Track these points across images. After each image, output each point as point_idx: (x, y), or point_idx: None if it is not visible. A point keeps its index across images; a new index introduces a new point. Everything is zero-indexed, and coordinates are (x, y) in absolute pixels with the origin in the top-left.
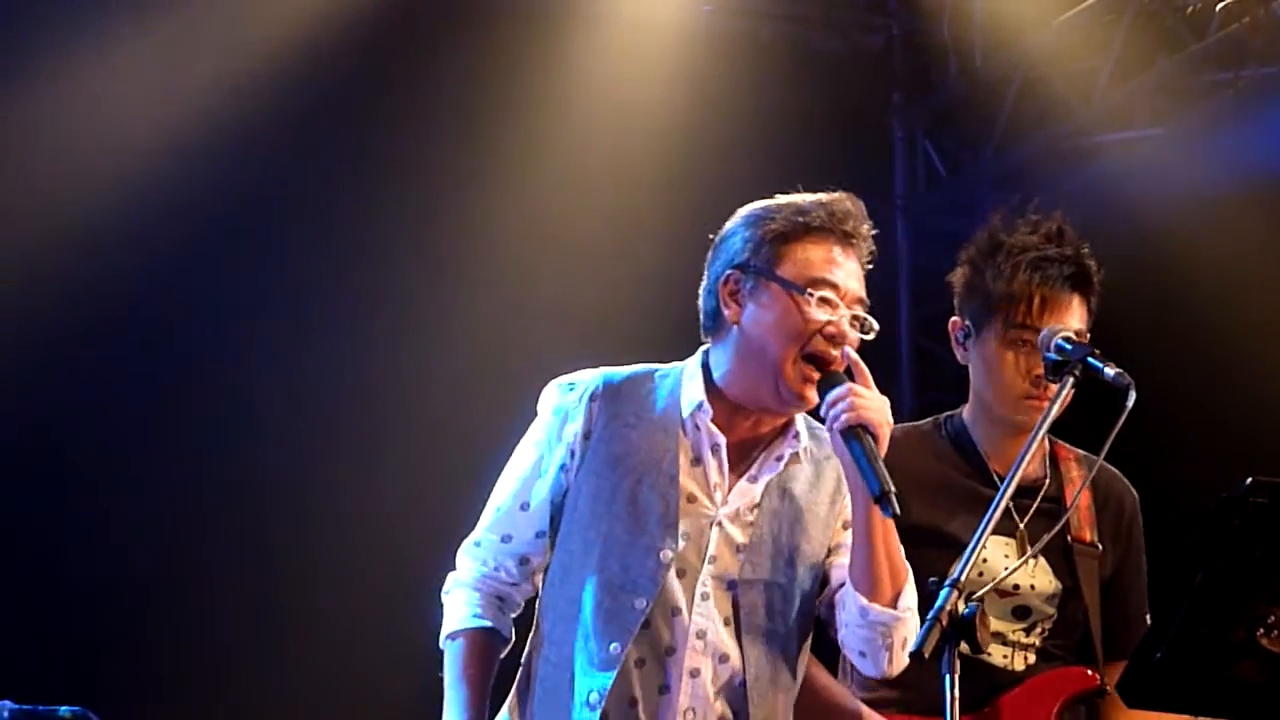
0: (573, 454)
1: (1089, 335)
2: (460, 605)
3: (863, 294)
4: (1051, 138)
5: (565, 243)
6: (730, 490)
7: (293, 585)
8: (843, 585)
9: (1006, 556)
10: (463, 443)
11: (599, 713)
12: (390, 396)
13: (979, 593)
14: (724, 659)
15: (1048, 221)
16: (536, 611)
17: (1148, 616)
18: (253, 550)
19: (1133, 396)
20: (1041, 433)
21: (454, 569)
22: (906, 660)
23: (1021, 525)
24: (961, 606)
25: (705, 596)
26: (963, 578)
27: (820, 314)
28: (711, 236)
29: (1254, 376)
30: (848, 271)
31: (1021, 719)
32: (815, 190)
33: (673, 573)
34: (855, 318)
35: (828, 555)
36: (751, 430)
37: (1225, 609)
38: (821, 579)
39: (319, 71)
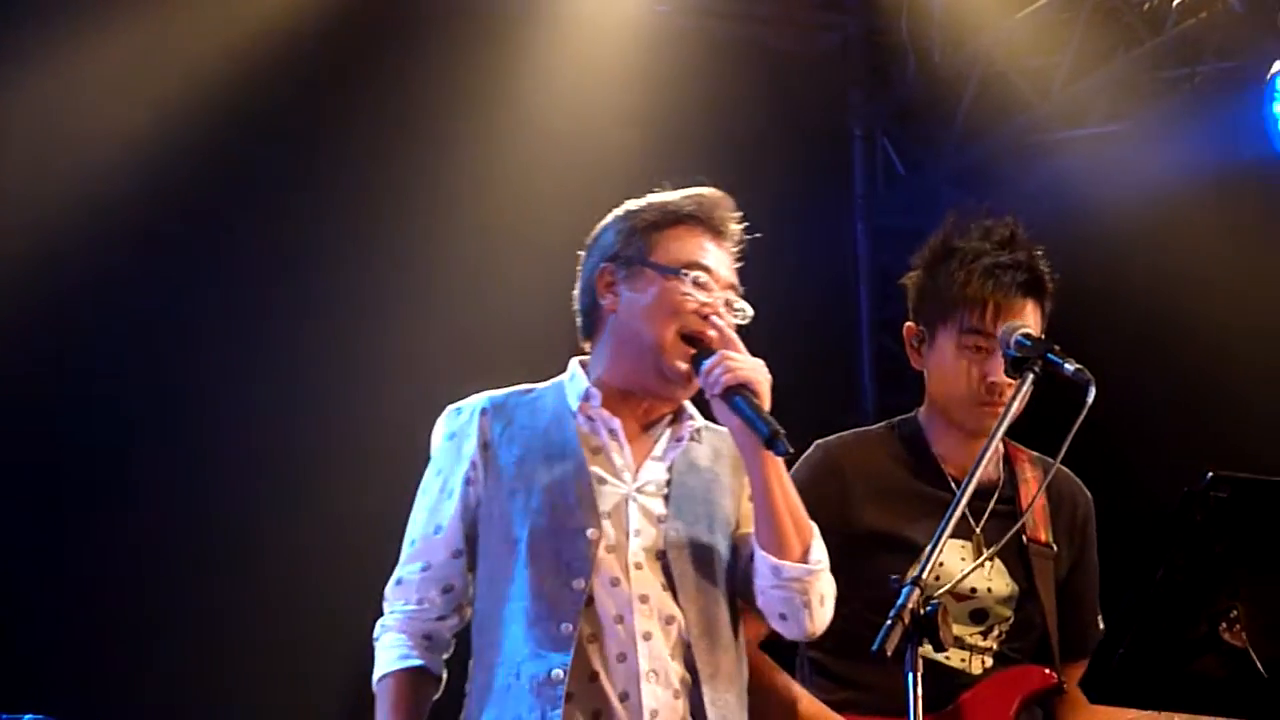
0: (475, 466)
1: (1044, 338)
2: (388, 648)
3: (735, 281)
4: (1010, 134)
5: (519, 248)
6: (639, 468)
7: (245, 596)
8: (751, 556)
9: (963, 559)
10: (417, 466)
11: (563, 690)
12: (344, 412)
13: (936, 595)
14: (670, 620)
15: (1000, 226)
16: (472, 636)
17: (1100, 618)
18: (207, 566)
19: (1093, 393)
20: (1000, 432)
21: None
22: (829, 618)
23: (978, 528)
24: (923, 606)
25: (639, 567)
26: (925, 575)
27: (695, 294)
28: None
29: (1213, 371)
30: (719, 259)
31: (981, 717)
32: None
33: (603, 549)
34: (728, 302)
35: (737, 527)
36: (645, 416)
37: (1187, 604)
38: (734, 550)
39: (273, 76)
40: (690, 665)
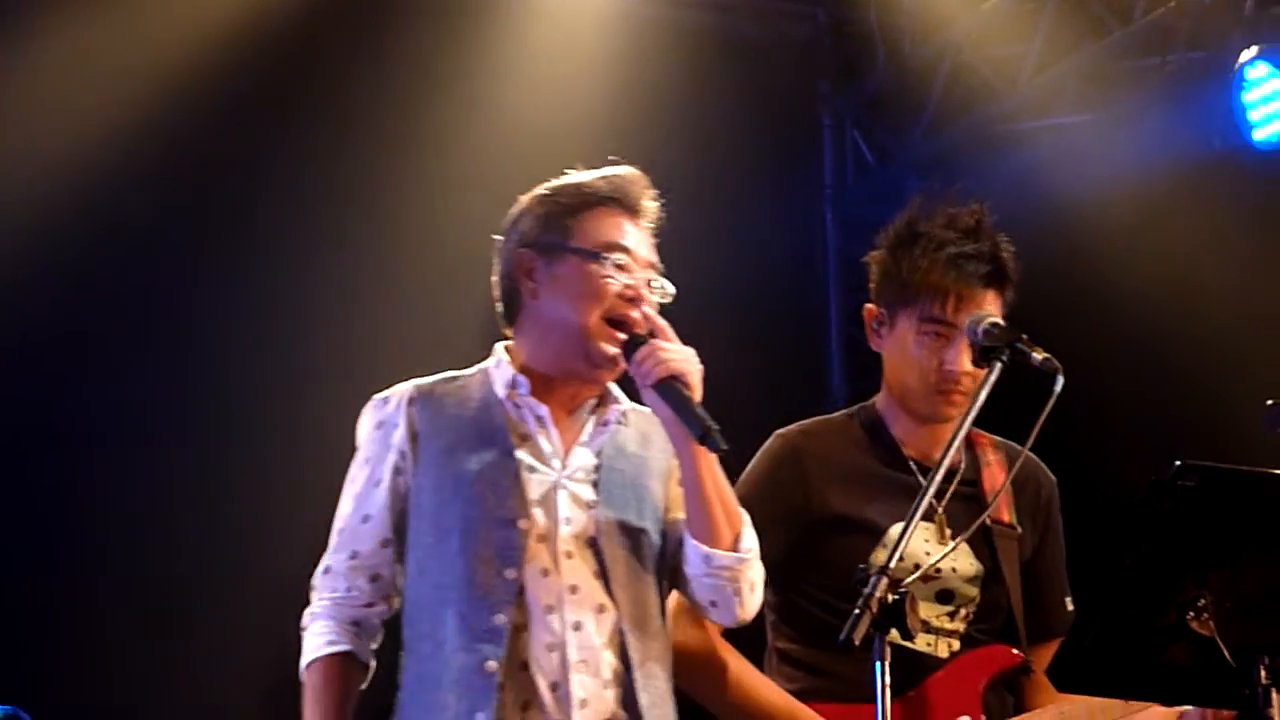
0: (404, 455)
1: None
2: (315, 635)
3: (655, 260)
4: (978, 124)
5: (485, 240)
6: (567, 454)
7: (179, 590)
8: (681, 542)
9: (926, 541)
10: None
11: (495, 680)
12: (291, 404)
13: (906, 580)
14: (601, 609)
15: (966, 214)
16: (403, 626)
17: (1068, 600)
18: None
19: (1060, 382)
20: (970, 420)
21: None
22: (759, 604)
23: (940, 509)
24: (890, 594)
25: (570, 555)
26: (893, 565)
27: (617, 276)
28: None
29: (1181, 361)
30: (638, 239)
31: (948, 699)
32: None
33: (534, 539)
34: (649, 282)
35: (667, 512)
36: (572, 401)
37: (1155, 593)
38: (664, 535)
39: (235, 71)
40: (622, 653)
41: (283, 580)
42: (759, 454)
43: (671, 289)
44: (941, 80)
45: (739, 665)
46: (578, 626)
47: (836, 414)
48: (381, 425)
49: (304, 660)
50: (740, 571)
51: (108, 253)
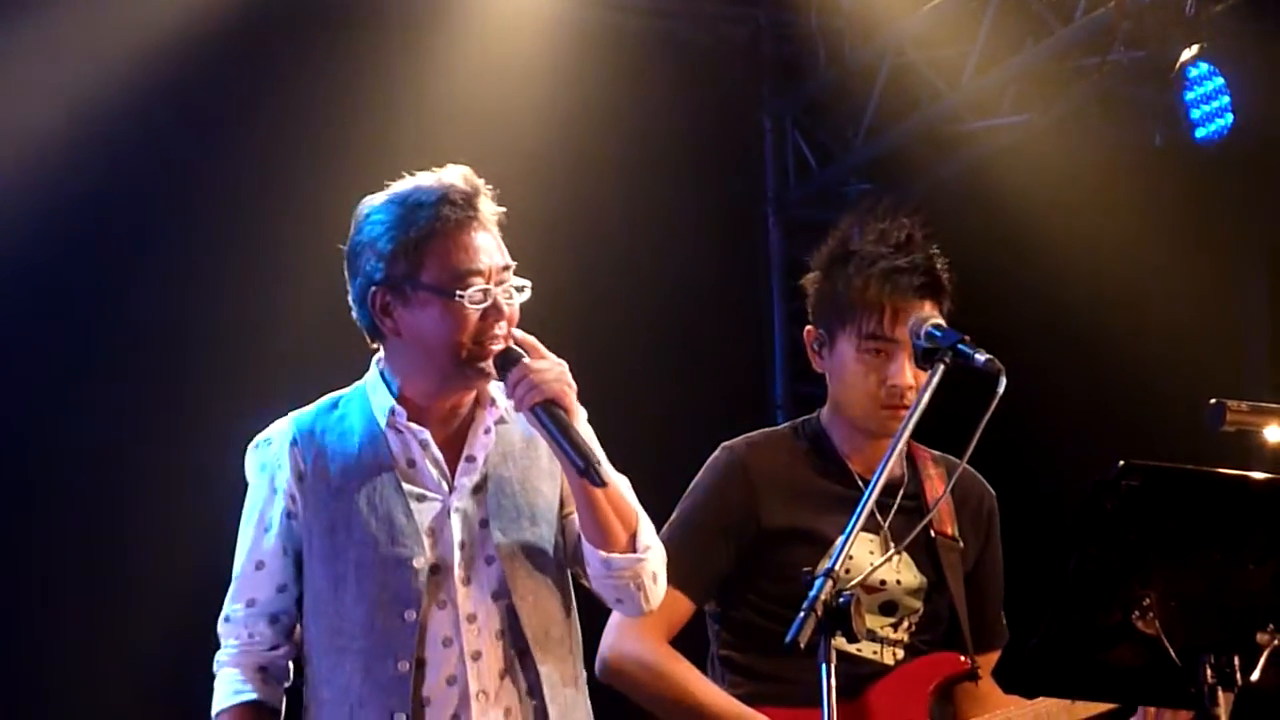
0: (293, 499)
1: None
2: (223, 685)
3: (505, 259)
4: (920, 126)
5: None
6: (455, 476)
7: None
8: (580, 539)
9: (871, 553)
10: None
11: None
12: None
13: (847, 589)
14: (500, 634)
15: (896, 228)
16: (304, 664)
17: (1003, 615)
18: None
19: (1003, 382)
20: (911, 424)
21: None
22: (663, 592)
23: (885, 523)
24: (835, 598)
25: (467, 581)
26: (836, 567)
27: (475, 305)
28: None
29: (1124, 361)
30: (486, 250)
31: (895, 705)
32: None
33: (429, 573)
34: (505, 288)
35: (562, 507)
36: (450, 415)
37: (1100, 593)
38: (562, 532)
39: (175, 77)
40: (529, 670)
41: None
42: (705, 466)
43: (528, 284)
44: (882, 82)
45: (685, 671)
46: (476, 656)
47: (781, 427)
48: (266, 468)
49: (214, 709)
50: (640, 569)
51: (47, 254)
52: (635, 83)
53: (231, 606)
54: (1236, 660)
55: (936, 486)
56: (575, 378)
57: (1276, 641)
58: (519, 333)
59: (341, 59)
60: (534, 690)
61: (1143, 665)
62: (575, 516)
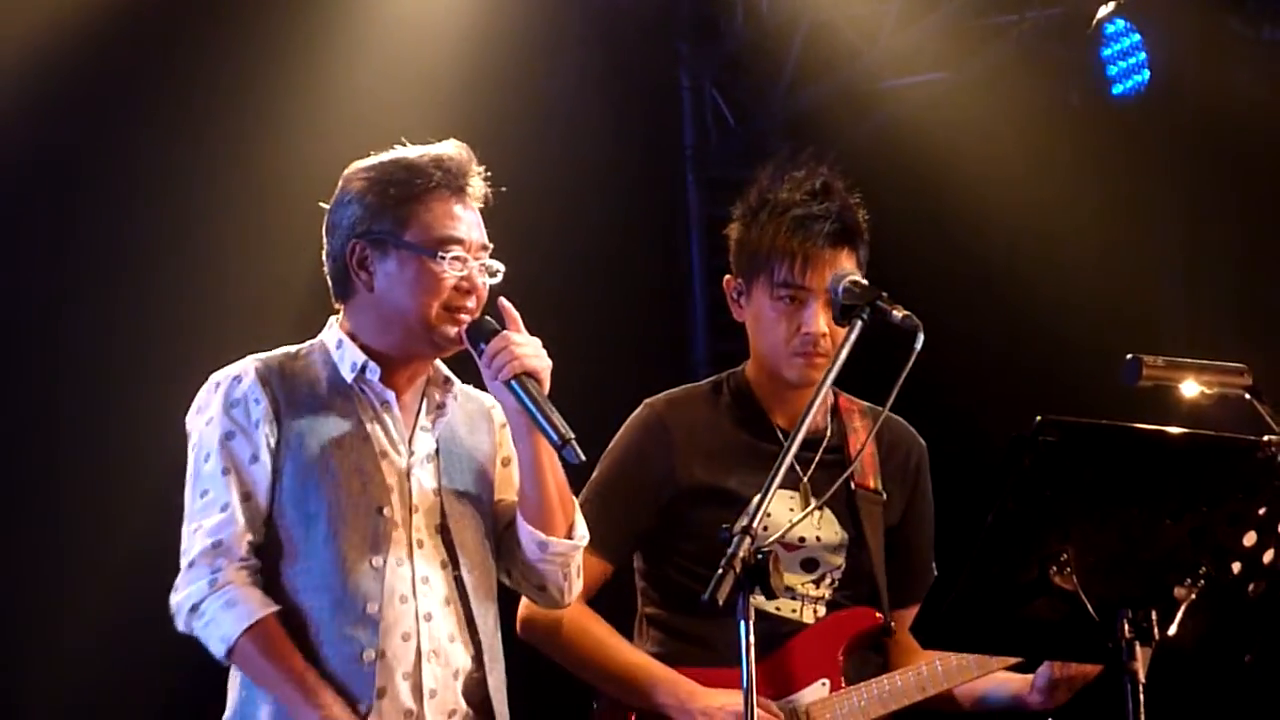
0: (273, 431)
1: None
2: (229, 608)
3: (485, 240)
4: (839, 84)
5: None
6: (411, 440)
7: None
8: (512, 523)
9: (791, 509)
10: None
11: (374, 670)
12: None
13: (765, 545)
14: (448, 600)
15: (812, 177)
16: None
17: (934, 565)
18: None
19: (921, 339)
20: (829, 380)
21: (174, 610)
22: (580, 589)
23: (805, 478)
24: (753, 555)
25: (420, 544)
26: (755, 524)
27: (452, 271)
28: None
29: (1042, 317)
30: (469, 223)
31: (807, 662)
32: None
33: (394, 526)
34: (483, 265)
35: (495, 492)
36: (410, 383)
37: (1017, 548)
38: (492, 515)
39: (81, 55)
40: (473, 639)
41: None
42: (627, 423)
43: (501, 268)
44: (801, 39)
45: (600, 630)
46: (428, 617)
47: (704, 382)
48: (239, 403)
49: (226, 639)
50: (572, 558)
51: None
52: (550, 41)
53: (204, 541)
54: (1154, 615)
55: (861, 439)
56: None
57: (1193, 595)
58: (505, 302)
59: (250, 21)
60: (476, 659)
61: (1060, 620)
62: (509, 503)
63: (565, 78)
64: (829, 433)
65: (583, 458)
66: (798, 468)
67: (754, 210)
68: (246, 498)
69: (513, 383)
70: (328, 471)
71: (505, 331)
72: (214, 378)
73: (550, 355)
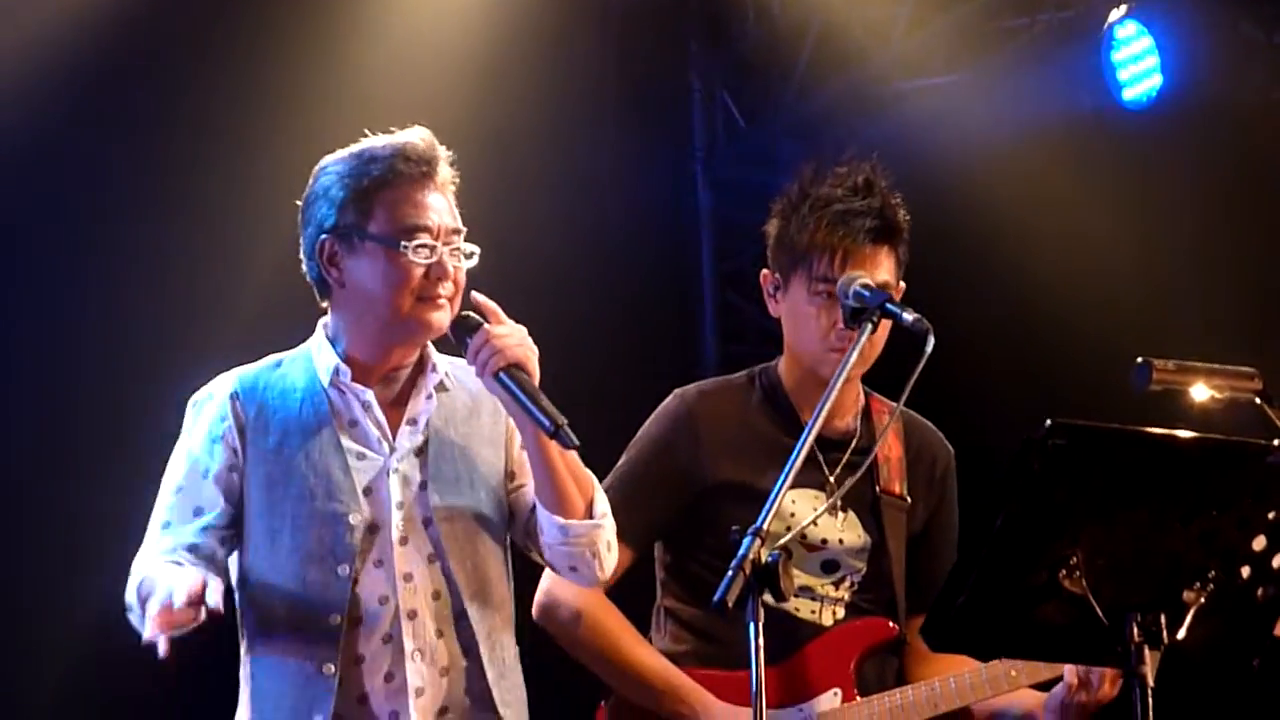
0: (235, 452)
1: (901, 285)
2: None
3: (456, 223)
4: (850, 85)
5: None
6: (395, 435)
7: None
8: (533, 509)
9: (815, 509)
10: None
11: (334, 682)
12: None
13: (783, 541)
14: (436, 595)
15: (855, 173)
16: (239, 619)
17: None
18: None
19: (931, 342)
20: (840, 380)
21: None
22: (615, 561)
23: (831, 478)
24: (764, 555)
25: (404, 541)
26: (765, 525)
27: (420, 259)
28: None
29: (1054, 320)
30: (435, 209)
31: (823, 669)
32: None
33: (365, 531)
34: (454, 250)
35: (510, 479)
36: (392, 376)
37: (1027, 552)
38: (507, 503)
39: (84, 58)
40: (466, 632)
41: None
42: (656, 412)
43: (475, 250)
44: (812, 40)
45: (619, 625)
46: (413, 615)
47: (740, 374)
48: (208, 420)
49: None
50: (597, 536)
51: None
52: (562, 41)
53: (162, 540)
54: (1163, 619)
55: (890, 442)
56: None
57: (1202, 600)
58: (480, 297)
59: (259, 18)
60: (470, 651)
61: (1069, 624)
62: (526, 489)
63: (576, 79)
64: (858, 434)
65: (576, 443)
66: (825, 468)
67: (794, 204)
68: (197, 513)
69: (500, 375)
70: (291, 484)
71: (485, 326)
72: (194, 396)
73: (559, 356)
